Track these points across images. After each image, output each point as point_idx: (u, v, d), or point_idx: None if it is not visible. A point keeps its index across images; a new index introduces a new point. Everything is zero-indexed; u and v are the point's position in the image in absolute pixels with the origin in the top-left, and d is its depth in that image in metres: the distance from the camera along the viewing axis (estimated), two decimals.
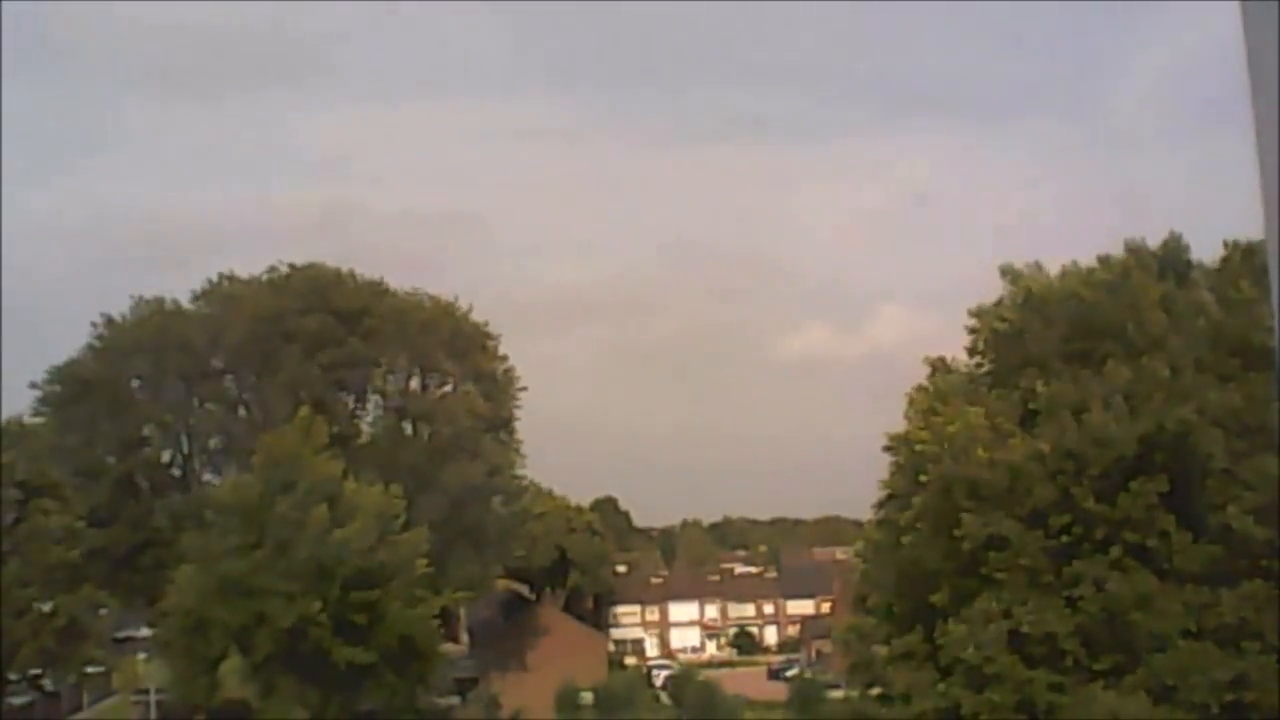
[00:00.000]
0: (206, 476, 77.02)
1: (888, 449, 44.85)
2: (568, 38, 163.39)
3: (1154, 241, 44.78)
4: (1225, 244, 42.39)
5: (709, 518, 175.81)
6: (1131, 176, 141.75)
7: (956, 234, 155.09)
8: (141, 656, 75.47)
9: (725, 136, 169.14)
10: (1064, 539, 39.19)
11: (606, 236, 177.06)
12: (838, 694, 69.00)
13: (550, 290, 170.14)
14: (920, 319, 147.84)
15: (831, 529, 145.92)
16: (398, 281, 79.91)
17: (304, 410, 63.42)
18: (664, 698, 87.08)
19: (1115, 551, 38.52)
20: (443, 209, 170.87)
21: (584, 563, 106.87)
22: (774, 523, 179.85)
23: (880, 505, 47.23)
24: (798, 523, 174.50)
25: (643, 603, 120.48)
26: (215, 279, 78.99)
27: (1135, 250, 44.04)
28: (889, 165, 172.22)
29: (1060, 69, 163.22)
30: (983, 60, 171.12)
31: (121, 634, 79.29)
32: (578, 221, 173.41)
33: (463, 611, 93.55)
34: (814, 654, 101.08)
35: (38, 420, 73.65)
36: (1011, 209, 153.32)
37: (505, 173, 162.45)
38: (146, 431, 77.42)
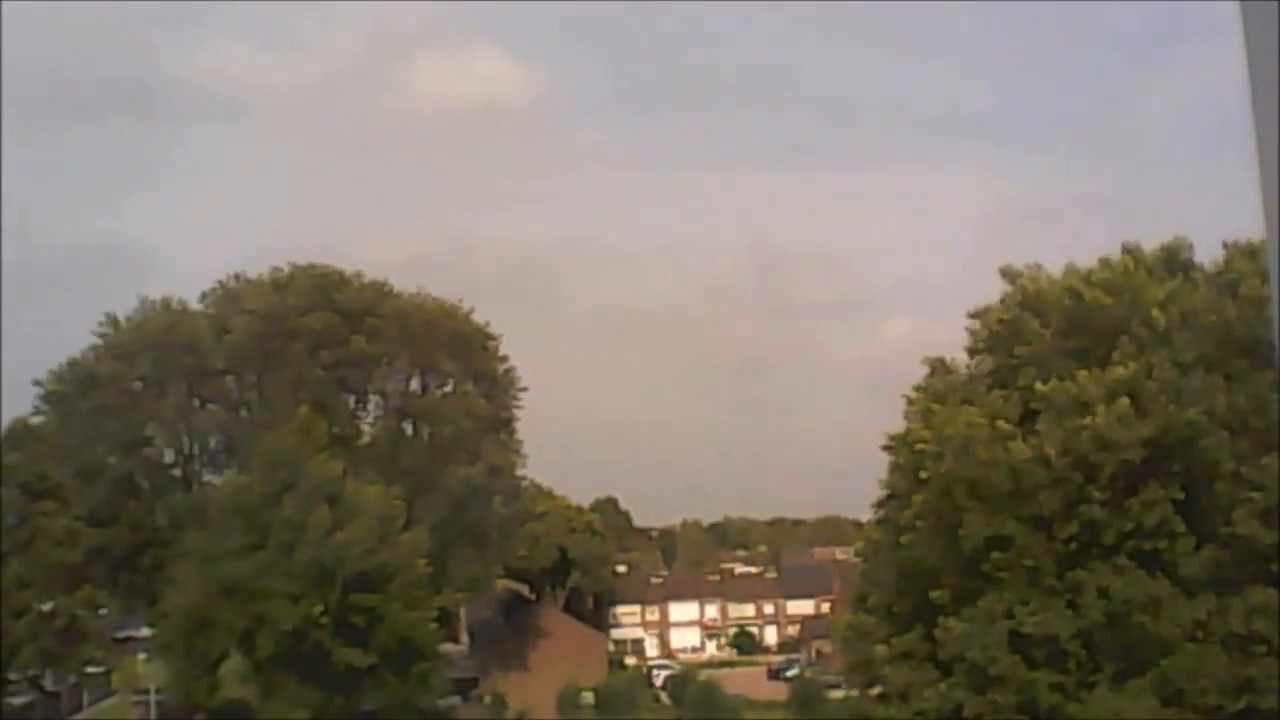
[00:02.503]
0: (208, 477, 77.07)
1: (886, 449, 44.82)
2: (636, 71, 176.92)
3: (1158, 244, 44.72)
4: (1225, 245, 42.32)
5: (709, 518, 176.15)
6: (1156, 194, 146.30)
7: (964, 245, 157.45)
8: (142, 657, 75.48)
9: (781, 161, 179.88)
10: (1071, 545, 39.10)
11: (665, 256, 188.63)
12: (838, 694, 68.99)
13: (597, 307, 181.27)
14: (936, 326, 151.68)
15: (831, 529, 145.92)
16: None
17: (304, 411, 63.46)
18: (664, 698, 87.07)
19: (1121, 557, 38.43)
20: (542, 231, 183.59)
21: (584, 563, 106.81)
22: (774, 523, 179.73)
23: (880, 505, 47.19)
24: (798, 523, 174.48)
25: (643, 603, 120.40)
26: (221, 279, 79.22)
27: (1133, 251, 43.94)
28: (923, 188, 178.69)
29: (1089, 99, 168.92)
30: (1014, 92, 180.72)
31: (121, 634, 79.26)
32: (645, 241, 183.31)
33: (463, 611, 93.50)
34: (814, 654, 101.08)
35: (40, 419, 73.67)
36: (1038, 222, 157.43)
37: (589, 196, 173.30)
38: (148, 431, 77.37)
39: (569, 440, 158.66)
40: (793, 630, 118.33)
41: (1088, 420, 38.87)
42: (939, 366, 45.54)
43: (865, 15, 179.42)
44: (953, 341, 47.16)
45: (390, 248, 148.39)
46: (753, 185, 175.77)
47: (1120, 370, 39.21)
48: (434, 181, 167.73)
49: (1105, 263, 43.87)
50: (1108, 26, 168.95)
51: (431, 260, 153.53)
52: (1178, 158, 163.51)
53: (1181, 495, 38.20)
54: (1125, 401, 38.58)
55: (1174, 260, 43.63)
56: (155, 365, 74.65)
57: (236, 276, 78.80)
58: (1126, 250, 44.00)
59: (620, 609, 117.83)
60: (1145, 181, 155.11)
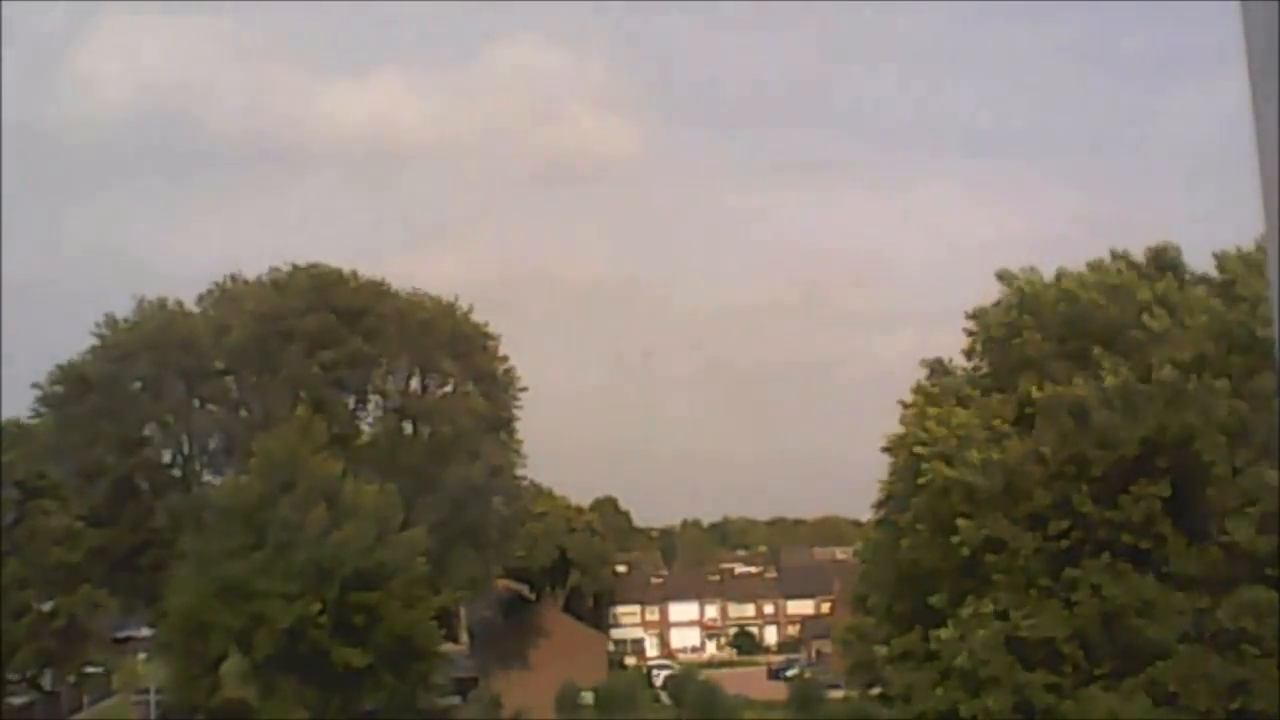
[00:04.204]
0: (206, 477, 77.01)
1: (886, 450, 44.80)
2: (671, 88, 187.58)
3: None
4: (1215, 255, 42.36)
5: (709, 518, 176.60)
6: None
7: (964, 260, 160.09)
8: (141, 657, 75.52)
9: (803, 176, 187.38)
10: (1063, 543, 39.11)
11: (696, 275, 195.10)
12: (838, 694, 69.04)
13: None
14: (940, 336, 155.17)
15: (831, 529, 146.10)
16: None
17: (303, 410, 63.47)
18: (664, 698, 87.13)
19: (1114, 555, 38.44)
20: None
21: (584, 563, 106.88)
22: (774, 523, 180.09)
23: (879, 506, 47.18)
24: (798, 523, 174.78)
25: (643, 603, 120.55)
26: (219, 279, 79.19)
27: (1123, 256, 43.95)
28: (933, 200, 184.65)
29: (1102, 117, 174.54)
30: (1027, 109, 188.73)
31: (121, 634, 79.30)
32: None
33: (463, 611, 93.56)
34: (814, 654, 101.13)
35: (38, 420, 73.66)
36: (1051, 234, 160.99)
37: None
38: (147, 432, 77.38)
39: (570, 440, 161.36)
40: (793, 630, 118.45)
41: (1082, 421, 38.88)
42: (937, 368, 45.50)
43: (889, 34, 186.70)
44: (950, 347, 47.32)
45: (459, 274, 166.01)
46: (782, 202, 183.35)
47: (1112, 378, 39.19)
48: (519, 222, 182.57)
49: (1096, 266, 43.85)
50: (1130, 47, 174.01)
51: (495, 286, 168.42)
52: (1199, 179, 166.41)
53: (1169, 493, 38.16)
54: (1119, 406, 38.60)
55: (1162, 262, 43.60)
56: (153, 366, 74.64)
57: (233, 278, 78.83)
58: (1115, 256, 44.03)
59: (620, 609, 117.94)
60: (1169, 201, 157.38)
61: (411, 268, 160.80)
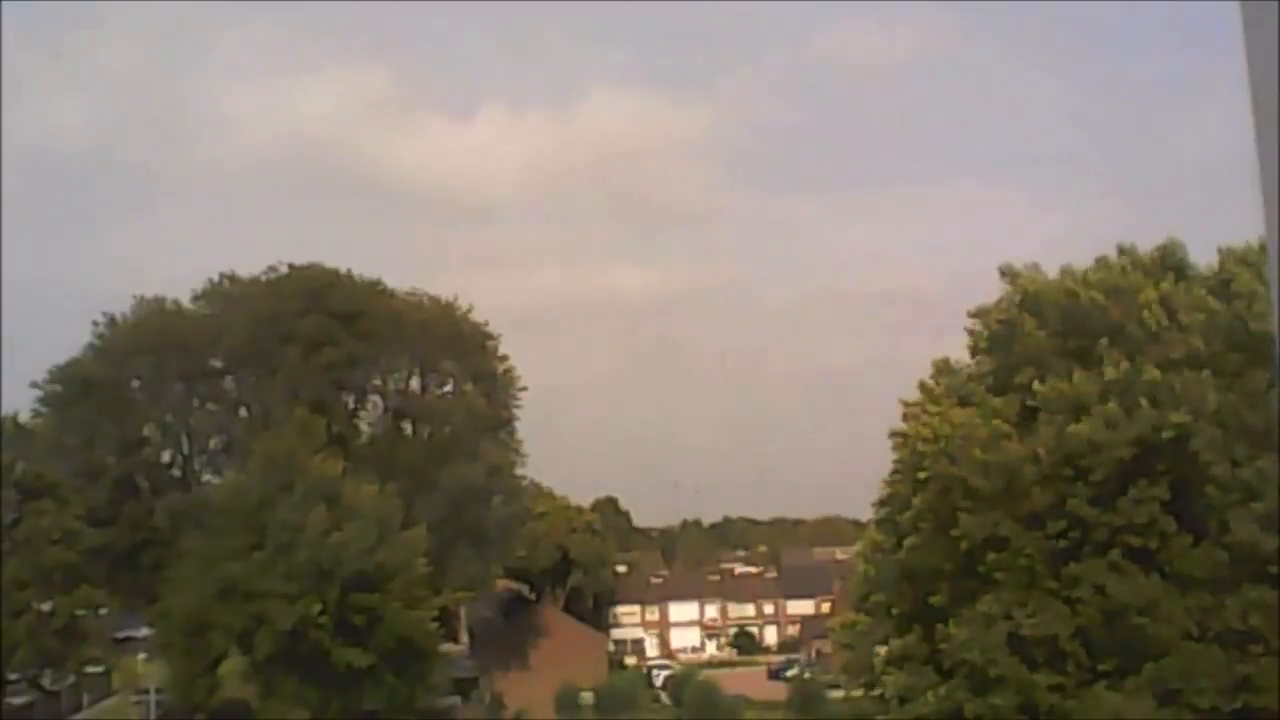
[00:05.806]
0: (206, 477, 77.01)
1: (893, 447, 44.82)
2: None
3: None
4: (1219, 249, 42.43)
5: (709, 518, 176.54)
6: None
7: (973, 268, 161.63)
8: (141, 656, 75.51)
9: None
10: (1062, 542, 39.11)
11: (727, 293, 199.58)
12: (838, 694, 69.04)
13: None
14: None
15: (831, 529, 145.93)
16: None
17: (302, 410, 63.45)
18: (664, 698, 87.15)
19: (1115, 554, 38.43)
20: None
21: (584, 563, 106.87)
22: (774, 523, 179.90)
23: (880, 505, 47.18)
24: (798, 523, 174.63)
25: (643, 603, 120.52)
26: (215, 279, 79.11)
27: (1129, 253, 43.98)
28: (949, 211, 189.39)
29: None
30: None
31: (121, 634, 79.25)
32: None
33: (463, 611, 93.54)
34: (814, 654, 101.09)
35: (37, 420, 73.61)
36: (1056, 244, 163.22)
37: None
38: (146, 432, 77.30)
39: (571, 441, 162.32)
40: (793, 630, 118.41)
41: (1081, 420, 38.88)
42: (943, 367, 45.55)
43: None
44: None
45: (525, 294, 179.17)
46: (816, 219, 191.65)
47: (1112, 371, 39.21)
48: (586, 249, 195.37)
49: (1102, 263, 43.92)
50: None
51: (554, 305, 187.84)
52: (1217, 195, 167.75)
53: (1169, 495, 38.15)
54: (1113, 405, 38.60)
55: (1169, 261, 43.64)
56: (153, 366, 74.61)
57: (231, 277, 78.68)
58: (1122, 251, 44.05)
59: (620, 609, 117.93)
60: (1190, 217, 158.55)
61: (482, 286, 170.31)
